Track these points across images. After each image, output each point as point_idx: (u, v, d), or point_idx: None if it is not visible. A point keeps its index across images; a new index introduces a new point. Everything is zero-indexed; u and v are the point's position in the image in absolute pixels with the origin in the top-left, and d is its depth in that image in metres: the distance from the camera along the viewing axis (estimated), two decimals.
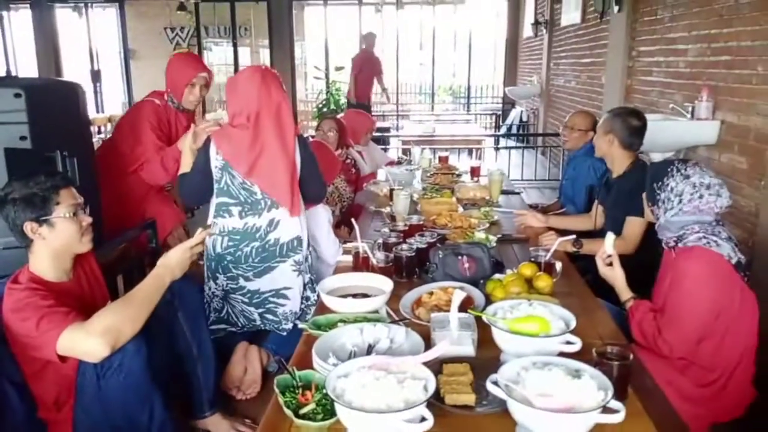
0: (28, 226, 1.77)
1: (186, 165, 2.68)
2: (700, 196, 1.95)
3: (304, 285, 2.67)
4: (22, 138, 2.28)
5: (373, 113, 9.00)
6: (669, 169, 2.02)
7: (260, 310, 2.62)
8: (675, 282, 1.91)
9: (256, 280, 2.59)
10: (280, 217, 2.55)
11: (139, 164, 3.08)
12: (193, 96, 3.17)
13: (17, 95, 2.26)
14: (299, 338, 1.81)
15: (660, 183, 2.02)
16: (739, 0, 3.12)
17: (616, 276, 2.07)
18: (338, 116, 4.40)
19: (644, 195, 2.12)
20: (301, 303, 2.66)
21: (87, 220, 1.85)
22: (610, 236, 2.07)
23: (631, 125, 2.70)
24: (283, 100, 2.52)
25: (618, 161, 2.76)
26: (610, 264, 2.07)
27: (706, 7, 3.47)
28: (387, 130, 8.45)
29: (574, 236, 2.52)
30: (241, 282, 2.59)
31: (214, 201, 2.58)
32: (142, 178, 3.12)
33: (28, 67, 12.32)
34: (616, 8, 4.89)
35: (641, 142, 2.74)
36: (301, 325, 1.83)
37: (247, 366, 2.53)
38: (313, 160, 2.66)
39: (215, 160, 2.52)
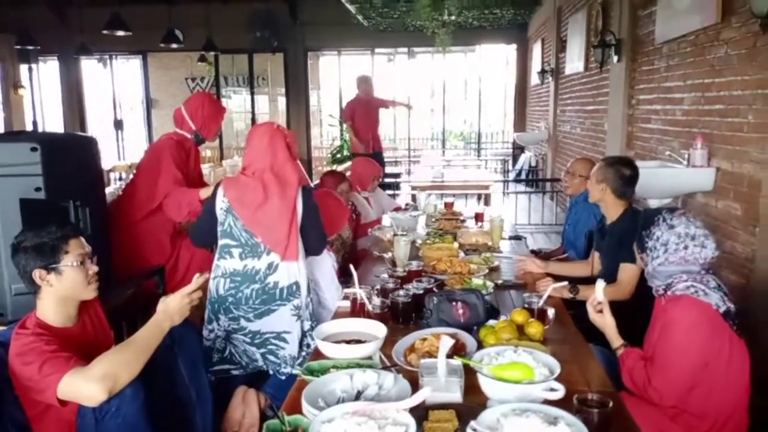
0: (37, 274, 1.87)
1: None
2: (685, 247, 1.98)
3: (304, 332, 2.72)
4: (37, 189, 2.40)
5: (385, 159, 8.83)
6: (656, 218, 2.06)
7: (262, 350, 2.69)
8: (664, 331, 1.93)
9: (257, 321, 2.68)
10: (279, 261, 2.66)
11: (162, 198, 3.25)
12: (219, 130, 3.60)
13: (33, 149, 2.39)
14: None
15: (648, 231, 2.06)
16: (729, 51, 3.21)
17: (606, 323, 2.09)
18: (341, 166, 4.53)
19: (635, 242, 2.16)
20: (301, 349, 2.71)
21: (93, 269, 1.95)
22: (600, 283, 2.10)
23: (624, 175, 2.76)
24: (287, 160, 2.71)
25: (611, 208, 2.82)
26: (601, 311, 2.10)
27: (699, 57, 3.56)
28: (398, 175, 8.43)
29: (566, 282, 2.55)
30: (243, 323, 2.68)
31: (219, 243, 2.71)
32: (169, 221, 3.32)
33: (53, 117, 12.79)
34: (615, 58, 5.02)
35: (633, 190, 2.80)
36: (294, 371, 1.88)
37: (245, 410, 2.56)
38: (316, 211, 2.78)
39: (221, 203, 2.67)
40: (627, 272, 2.63)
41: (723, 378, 1.90)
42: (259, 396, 2.58)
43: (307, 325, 2.74)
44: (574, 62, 6.85)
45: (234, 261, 2.66)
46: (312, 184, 6.93)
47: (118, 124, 13.21)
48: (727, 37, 3.23)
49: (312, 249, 2.83)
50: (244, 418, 2.53)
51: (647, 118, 4.44)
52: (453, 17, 8.31)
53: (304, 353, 2.71)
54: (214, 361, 2.67)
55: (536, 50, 9.98)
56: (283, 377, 2.67)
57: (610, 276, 2.68)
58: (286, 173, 2.69)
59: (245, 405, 2.55)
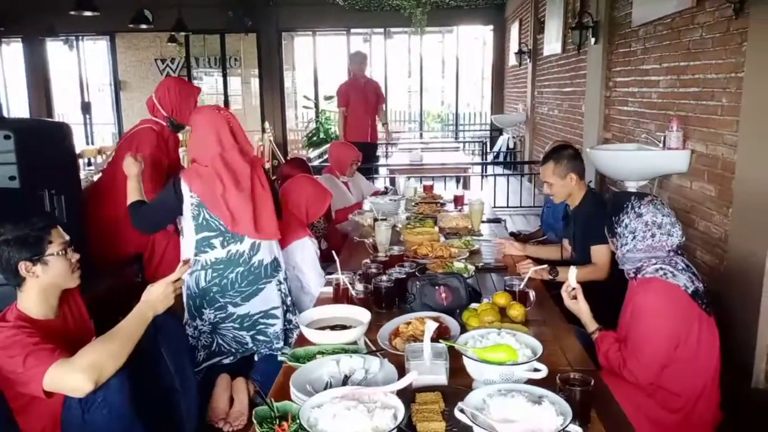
0: (23, 266, 1.85)
1: (134, 191, 2.79)
2: (652, 236, 2.03)
3: (287, 306, 2.80)
4: (11, 178, 2.36)
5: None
6: (625, 205, 2.10)
7: (252, 332, 2.72)
8: (635, 314, 1.98)
9: (245, 304, 2.70)
10: (260, 240, 2.70)
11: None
12: None
13: (7, 137, 2.34)
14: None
15: (617, 218, 2.11)
16: (704, 35, 3.25)
17: (581, 309, 2.16)
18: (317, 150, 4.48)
19: (605, 226, 2.19)
20: (284, 324, 2.77)
21: (75, 256, 1.94)
22: (573, 270, 2.16)
23: (572, 154, 2.86)
24: (232, 148, 2.67)
25: (576, 194, 2.89)
26: (575, 297, 2.15)
27: (675, 40, 3.60)
28: (376, 159, 8.16)
29: (546, 266, 2.60)
30: (230, 309, 2.69)
31: (194, 238, 2.66)
32: None
33: (18, 100, 12.45)
34: (592, 40, 5.05)
35: (584, 166, 2.91)
36: (280, 357, 1.89)
37: (234, 398, 2.58)
38: (275, 189, 2.88)
39: (190, 198, 2.64)
40: (599, 253, 2.70)
41: (694, 356, 1.97)
42: (248, 384, 2.59)
43: (288, 300, 2.81)
44: (552, 44, 6.88)
45: (216, 251, 2.66)
46: None
47: (86, 107, 12.90)
48: (702, 21, 3.27)
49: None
50: (233, 406, 2.54)
51: (624, 100, 4.49)
52: None
53: (285, 327, 2.78)
54: (202, 358, 2.66)
55: (514, 31, 9.99)
56: (277, 353, 2.68)
57: (584, 260, 2.74)
58: (234, 162, 2.65)
59: (234, 393, 2.57)
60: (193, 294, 2.65)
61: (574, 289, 2.15)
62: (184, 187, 2.64)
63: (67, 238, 1.95)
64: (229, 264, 2.66)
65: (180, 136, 3.61)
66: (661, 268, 1.98)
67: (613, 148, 4.19)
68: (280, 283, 2.79)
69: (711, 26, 3.18)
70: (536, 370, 1.61)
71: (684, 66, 3.48)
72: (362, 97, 6.76)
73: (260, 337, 2.73)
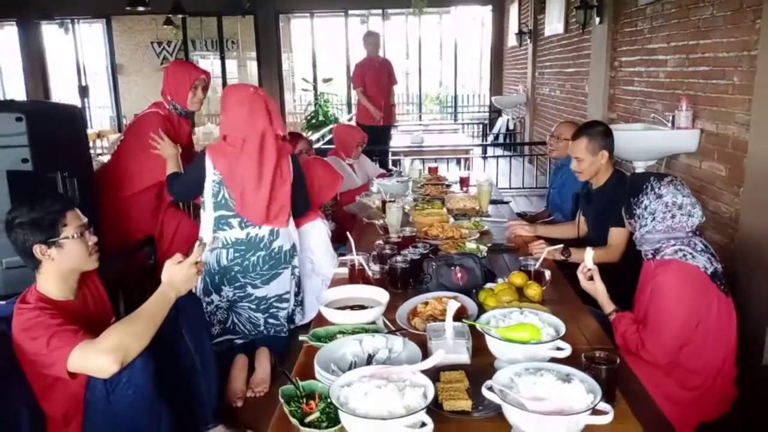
0: (38, 249, 1.83)
1: (171, 166, 2.97)
2: (672, 216, 2.03)
3: (297, 289, 2.90)
4: (24, 160, 2.34)
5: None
6: (644, 186, 2.08)
7: (265, 315, 2.80)
8: (654, 295, 1.99)
9: (264, 287, 2.77)
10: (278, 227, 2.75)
11: (150, 183, 3.16)
12: (197, 98, 3.28)
13: (19, 119, 2.31)
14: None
15: (636, 199, 2.10)
16: (715, 13, 3.23)
17: (597, 290, 2.15)
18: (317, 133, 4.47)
19: (623, 207, 2.19)
20: (294, 304, 2.88)
21: (93, 239, 1.93)
22: (589, 251, 2.15)
23: (606, 131, 2.80)
24: (267, 130, 2.68)
25: (603, 173, 2.83)
26: (591, 278, 2.15)
27: (683, 19, 3.58)
28: (388, 140, 7.91)
29: (562, 245, 2.60)
30: (249, 290, 2.76)
31: (213, 214, 2.71)
32: (153, 193, 3.24)
33: (14, 84, 12.33)
34: (597, 20, 5.02)
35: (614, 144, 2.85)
36: (301, 337, 1.89)
37: (256, 366, 2.67)
38: (302, 179, 2.87)
39: (213, 175, 2.66)
40: (616, 236, 2.68)
41: (713, 336, 1.98)
42: (271, 354, 2.66)
43: (296, 282, 2.90)
44: (554, 24, 6.83)
45: (234, 231, 2.70)
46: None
47: (84, 91, 12.79)
48: None
49: (296, 214, 2.92)
50: (256, 374, 2.65)
51: (630, 80, 4.48)
52: None
53: (295, 307, 2.90)
54: (216, 332, 2.70)
55: (513, 11, 9.91)
56: (285, 335, 2.80)
57: (599, 240, 2.74)
58: (266, 145, 2.66)
59: (257, 362, 2.68)
60: (213, 270, 2.68)
61: (590, 269, 2.15)
62: (208, 163, 2.68)
63: (85, 220, 1.93)
64: (250, 247, 2.71)
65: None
66: (680, 249, 1.98)
67: (620, 128, 4.18)
68: (294, 267, 2.86)
69: (722, 4, 3.16)
70: (559, 348, 1.62)
71: (693, 45, 3.46)
72: (377, 78, 6.62)
73: (271, 320, 2.81)
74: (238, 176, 2.63)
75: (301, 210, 2.92)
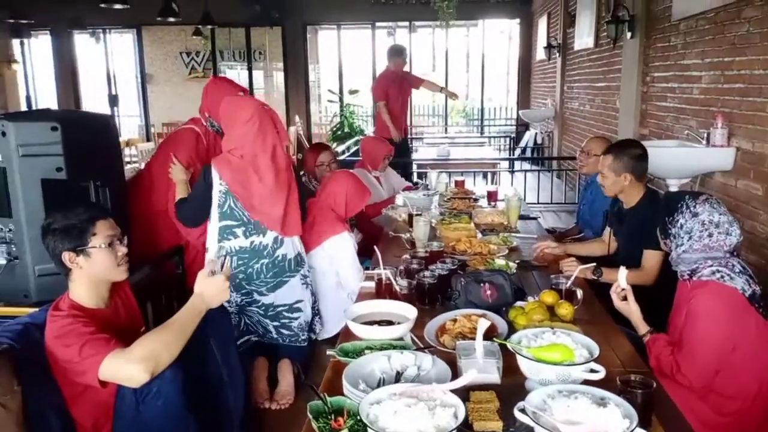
0: (66, 256, 1.86)
1: (180, 192, 2.96)
2: (710, 235, 1.98)
3: (315, 298, 2.93)
4: (58, 169, 2.36)
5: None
6: (679, 205, 2.04)
7: (275, 324, 2.81)
8: (690, 317, 1.94)
9: (270, 294, 2.80)
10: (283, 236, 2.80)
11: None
12: None
13: (54, 128, 2.35)
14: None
15: (671, 218, 2.05)
16: (751, 29, 3.18)
17: (631, 310, 2.11)
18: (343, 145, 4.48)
19: (658, 227, 2.14)
20: (312, 313, 2.91)
21: (123, 250, 1.94)
22: (623, 271, 2.11)
23: (638, 155, 2.73)
24: (277, 143, 2.73)
25: (632, 194, 2.77)
26: (625, 298, 2.11)
27: (718, 35, 3.53)
28: (409, 152, 7.82)
29: (594, 264, 2.55)
30: (256, 296, 2.80)
31: (217, 225, 2.75)
32: None
33: (46, 93, 12.62)
34: (629, 34, 4.97)
35: (647, 167, 2.79)
36: (329, 352, 1.88)
37: (280, 378, 2.71)
38: (303, 190, 2.98)
39: (219, 185, 2.71)
40: (650, 259, 2.61)
41: (750, 360, 1.93)
42: (293, 364, 2.66)
43: (310, 290, 2.92)
44: (584, 38, 6.78)
45: (239, 240, 2.74)
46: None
47: (113, 100, 13.03)
48: (749, 15, 3.20)
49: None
50: (280, 386, 2.67)
51: (662, 95, 4.41)
52: None
53: (313, 316, 2.92)
54: None
55: (541, 25, 9.88)
56: (305, 344, 2.84)
57: (630, 260, 2.67)
58: (276, 155, 2.72)
59: (280, 374, 2.70)
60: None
61: (624, 290, 2.10)
62: (214, 174, 2.71)
63: (117, 231, 1.94)
64: (253, 255, 2.75)
65: None
66: (718, 271, 1.93)
67: (653, 144, 4.10)
68: (305, 276, 2.88)
69: (759, 21, 3.10)
70: (593, 371, 1.59)
71: (729, 61, 3.40)
72: (399, 93, 6.45)
73: (284, 331, 2.82)
74: (248, 189, 2.68)
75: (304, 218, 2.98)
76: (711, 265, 1.95)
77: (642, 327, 2.10)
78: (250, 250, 2.73)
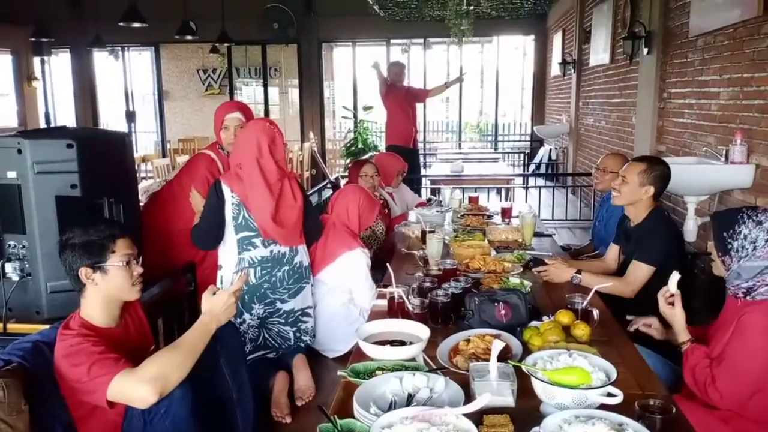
0: (83, 272, 1.85)
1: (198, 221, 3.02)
2: None
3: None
4: (73, 186, 2.37)
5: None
6: (739, 217, 1.99)
7: (293, 329, 2.90)
8: (738, 333, 1.89)
9: (291, 301, 2.88)
10: (297, 245, 2.91)
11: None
12: (230, 138, 3.11)
13: (69, 146, 2.36)
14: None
15: (731, 231, 1.99)
16: None
17: (675, 315, 2.08)
18: (369, 157, 4.55)
19: (712, 247, 2.06)
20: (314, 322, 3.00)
21: (138, 270, 1.94)
22: (675, 275, 2.09)
23: (666, 175, 2.71)
24: (269, 159, 2.78)
25: (643, 209, 2.74)
26: (672, 303, 2.08)
27: (737, 51, 3.48)
28: (419, 167, 8.03)
29: (612, 280, 2.54)
30: (278, 305, 2.86)
31: (235, 237, 2.81)
32: None
33: (65, 109, 12.83)
34: (645, 50, 4.94)
35: (665, 189, 2.78)
36: (340, 372, 1.86)
37: (296, 374, 2.78)
38: (309, 202, 3.05)
39: (231, 198, 2.78)
40: (638, 271, 2.61)
41: None
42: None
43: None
44: (599, 54, 6.75)
45: (259, 249, 2.80)
46: (332, 178, 6.95)
47: (131, 116, 13.20)
48: None
49: (309, 236, 3.02)
50: (301, 381, 2.75)
51: (680, 112, 4.36)
52: (472, 7, 8.18)
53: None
54: (248, 351, 2.77)
55: (556, 41, 9.87)
56: (302, 344, 2.93)
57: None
58: (268, 170, 2.77)
59: (297, 371, 2.78)
60: (244, 290, 2.68)
61: (673, 295, 2.08)
62: (225, 189, 2.80)
63: (134, 251, 1.95)
64: (276, 263, 2.83)
65: None
66: None
67: (671, 161, 4.04)
68: (312, 285, 3.01)
69: None
70: (611, 395, 1.55)
71: (748, 77, 3.35)
72: (404, 105, 6.94)
73: (299, 334, 2.93)
74: (251, 195, 2.77)
75: (314, 233, 3.03)
76: None
77: (683, 335, 2.06)
78: (272, 259, 2.82)
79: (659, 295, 2.12)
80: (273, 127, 2.85)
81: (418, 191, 6.36)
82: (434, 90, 7.51)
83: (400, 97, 6.91)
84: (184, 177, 3.26)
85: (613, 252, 2.97)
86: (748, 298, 1.94)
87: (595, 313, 2.21)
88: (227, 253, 2.84)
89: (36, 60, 12.05)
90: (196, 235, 2.94)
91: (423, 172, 8.25)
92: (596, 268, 2.96)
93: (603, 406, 1.51)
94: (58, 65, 13.02)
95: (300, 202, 2.87)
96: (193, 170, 3.22)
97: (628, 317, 2.40)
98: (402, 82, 7.09)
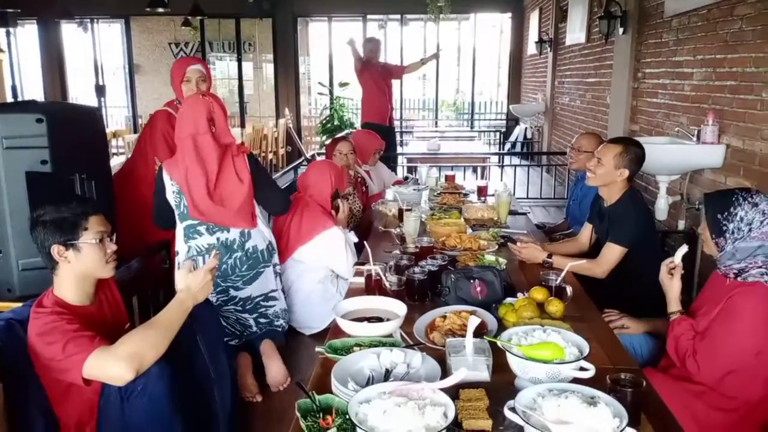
0: (55, 249, 1.82)
1: None
2: None
3: (284, 287, 2.96)
4: (43, 162, 2.33)
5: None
6: (734, 199, 2.01)
7: (254, 315, 2.81)
8: (725, 313, 1.93)
9: (247, 288, 2.78)
10: (249, 229, 2.78)
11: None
12: (191, 91, 3.07)
13: (39, 120, 2.31)
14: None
15: (726, 213, 2.01)
16: (744, 27, 3.18)
17: (672, 286, 2.14)
18: (345, 134, 4.53)
19: (705, 229, 2.09)
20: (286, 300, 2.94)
21: (112, 247, 1.91)
22: (683, 248, 2.15)
23: (640, 157, 2.72)
24: (206, 132, 2.65)
25: (616, 190, 2.74)
26: (672, 274, 2.14)
27: (710, 32, 3.53)
28: (394, 145, 8.06)
29: (584, 261, 2.57)
30: (232, 293, 2.77)
31: (180, 226, 2.75)
32: None
33: (32, 82, 12.46)
34: (620, 30, 4.97)
35: (639, 171, 2.80)
36: (317, 349, 1.86)
37: (270, 364, 2.70)
38: (265, 174, 2.95)
39: (171, 186, 2.70)
40: (611, 253, 2.64)
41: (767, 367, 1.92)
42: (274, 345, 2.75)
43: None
44: (575, 33, 6.78)
45: (204, 237, 2.72)
46: (308, 155, 6.90)
47: (101, 90, 12.87)
48: (742, 12, 3.20)
49: (275, 211, 2.99)
50: (273, 369, 2.68)
51: (654, 92, 4.42)
52: None
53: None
54: None
55: (533, 19, 9.86)
56: (280, 329, 2.87)
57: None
58: (204, 146, 2.65)
59: (267, 360, 2.70)
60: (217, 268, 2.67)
61: (675, 266, 2.14)
62: (165, 176, 2.71)
63: (107, 228, 1.92)
64: (225, 251, 2.73)
65: None
66: (767, 273, 1.92)
67: (644, 141, 4.09)
68: (275, 265, 2.90)
69: (751, 18, 3.10)
70: (583, 369, 1.58)
71: (721, 59, 3.40)
72: (379, 82, 6.90)
73: (261, 320, 2.84)
74: (184, 178, 2.66)
75: (278, 206, 2.97)
76: (760, 266, 1.94)
77: (675, 305, 2.13)
78: (219, 246, 2.71)
79: (663, 264, 2.18)
80: (211, 101, 2.71)
81: (394, 169, 6.36)
82: (410, 66, 7.43)
83: (376, 74, 6.86)
84: (146, 143, 3.20)
85: (586, 231, 3.00)
86: (739, 279, 1.97)
87: (569, 290, 2.25)
88: (179, 241, 2.79)
89: (1, 32, 11.64)
90: (153, 215, 2.89)
91: (399, 150, 8.23)
92: (570, 248, 2.99)
93: (576, 380, 1.54)
94: (25, 37, 12.61)
95: (247, 182, 2.72)
96: (153, 131, 3.17)
97: (605, 313, 2.40)
98: (377, 59, 7.05)
